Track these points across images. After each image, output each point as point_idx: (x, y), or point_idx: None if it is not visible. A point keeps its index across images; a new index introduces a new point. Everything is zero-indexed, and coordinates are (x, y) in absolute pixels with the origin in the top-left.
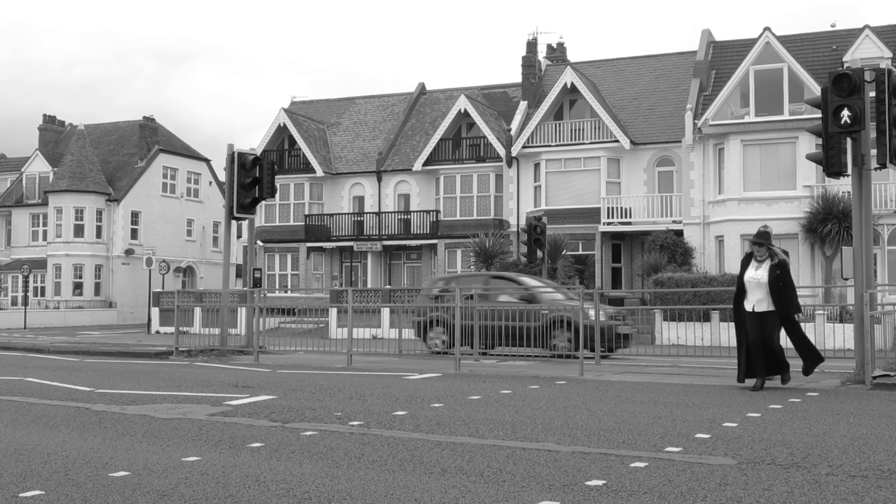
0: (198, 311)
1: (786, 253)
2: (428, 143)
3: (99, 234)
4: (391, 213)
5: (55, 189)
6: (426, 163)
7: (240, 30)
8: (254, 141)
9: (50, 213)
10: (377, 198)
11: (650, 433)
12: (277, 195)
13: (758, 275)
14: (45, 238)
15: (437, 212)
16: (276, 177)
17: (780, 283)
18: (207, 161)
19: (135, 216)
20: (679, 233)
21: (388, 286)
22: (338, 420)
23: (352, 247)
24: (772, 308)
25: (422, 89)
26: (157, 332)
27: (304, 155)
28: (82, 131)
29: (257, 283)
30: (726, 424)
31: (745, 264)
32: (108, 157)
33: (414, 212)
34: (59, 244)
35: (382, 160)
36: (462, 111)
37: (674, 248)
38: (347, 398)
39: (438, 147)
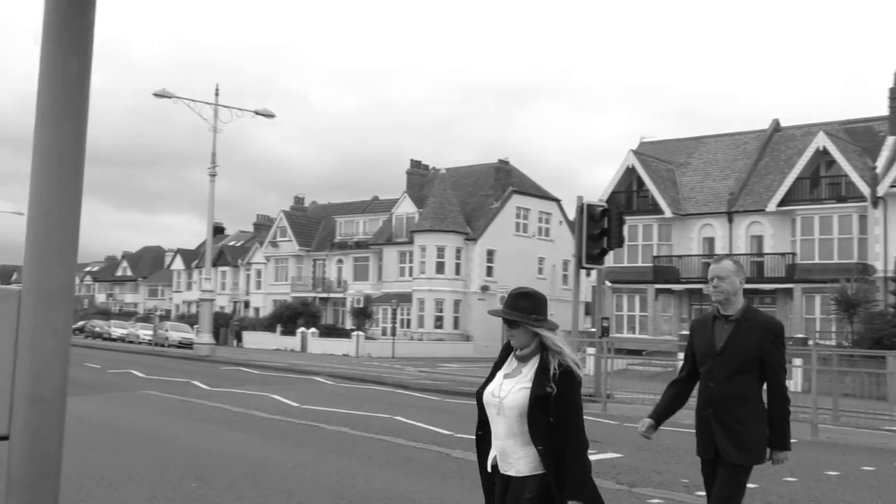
0: None
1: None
2: (783, 182)
3: (457, 271)
4: (743, 255)
5: (419, 229)
6: (781, 203)
7: (580, 64)
8: (596, 175)
9: (415, 251)
10: (728, 239)
11: None
12: (626, 236)
13: (503, 389)
14: (410, 274)
15: (793, 254)
16: (625, 217)
17: (554, 416)
18: (558, 201)
19: (489, 254)
20: None
21: None
22: (684, 489)
23: (701, 289)
24: (538, 471)
25: (776, 126)
26: None
27: (652, 196)
28: (444, 175)
29: (605, 331)
30: None
31: (497, 364)
32: (467, 199)
33: (767, 254)
34: (422, 280)
35: (734, 200)
36: (820, 148)
37: None
38: (694, 463)
39: (794, 186)
